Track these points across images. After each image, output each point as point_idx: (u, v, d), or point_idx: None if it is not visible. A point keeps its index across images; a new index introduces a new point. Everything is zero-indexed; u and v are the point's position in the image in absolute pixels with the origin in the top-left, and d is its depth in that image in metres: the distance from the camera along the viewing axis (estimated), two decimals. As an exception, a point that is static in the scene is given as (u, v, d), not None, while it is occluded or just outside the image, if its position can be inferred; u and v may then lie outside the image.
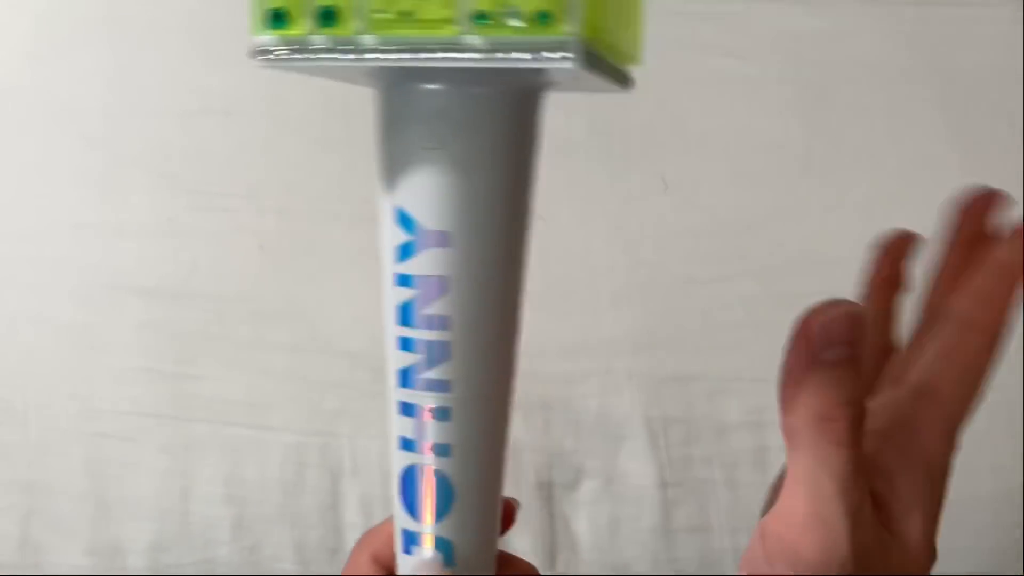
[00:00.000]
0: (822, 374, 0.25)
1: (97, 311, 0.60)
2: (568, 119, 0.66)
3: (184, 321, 0.60)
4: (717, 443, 0.60)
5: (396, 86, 0.25)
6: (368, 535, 0.33)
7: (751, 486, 0.59)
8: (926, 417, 0.28)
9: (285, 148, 0.63)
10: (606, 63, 0.24)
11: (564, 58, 0.21)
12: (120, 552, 0.58)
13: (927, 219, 0.69)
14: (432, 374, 0.27)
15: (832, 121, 0.65)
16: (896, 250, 0.34)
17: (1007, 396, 0.61)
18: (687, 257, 0.61)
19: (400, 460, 0.29)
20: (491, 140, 0.25)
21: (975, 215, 0.31)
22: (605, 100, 0.67)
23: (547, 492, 0.57)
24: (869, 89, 0.65)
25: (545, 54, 0.21)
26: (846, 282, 0.65)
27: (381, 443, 0.60)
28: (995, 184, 0.31)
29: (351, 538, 0.58)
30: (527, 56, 0.21)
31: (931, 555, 0.28)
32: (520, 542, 0.56)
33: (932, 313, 0.31)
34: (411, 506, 0.28)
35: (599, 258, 0.61)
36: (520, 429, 0.57)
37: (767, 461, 0.60)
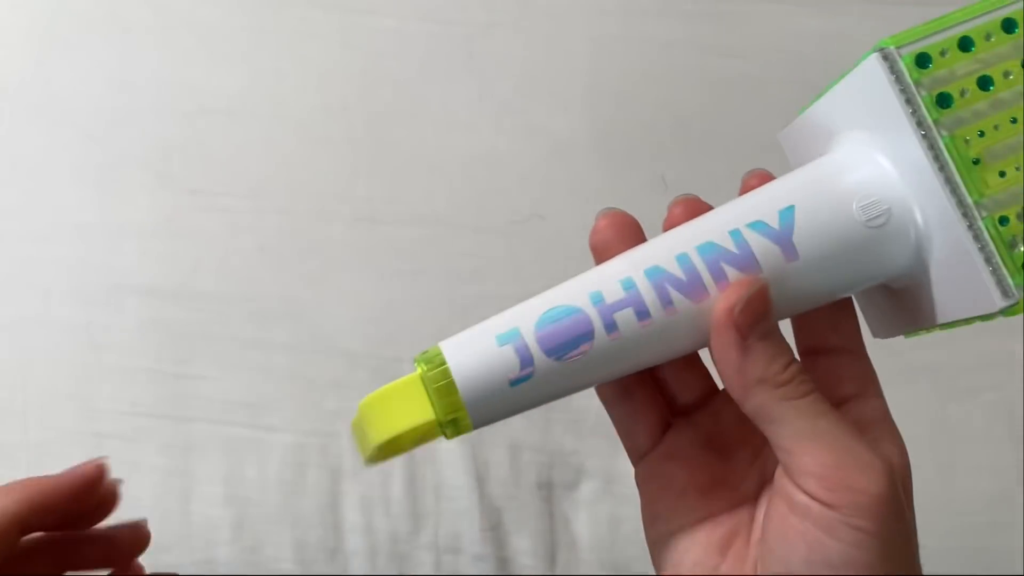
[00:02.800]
0: (758, 350, 0.27)
1: (97, 311, 0.60)
2: (568, 119, 0.66)
3: (184, 321, 0.60)
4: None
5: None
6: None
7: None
8: None
9: (285, 148, 0.63)
10: None
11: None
12: (120, 552, 0.58)
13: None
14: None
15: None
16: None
17: (1007, 396, 0.61)
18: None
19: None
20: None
21: None
22: (605, 100, 0.68)
23: (547, 492, 0.57)
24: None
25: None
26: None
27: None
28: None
29: (351, 538, 0.58)
30: None
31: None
32: (520, 542, 0.56)
33: None
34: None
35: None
36: (520, 429, 0.57)
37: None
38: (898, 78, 0.27)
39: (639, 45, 0.67)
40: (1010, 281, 0.26)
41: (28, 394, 0.59)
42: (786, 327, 0.30)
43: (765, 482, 0.30)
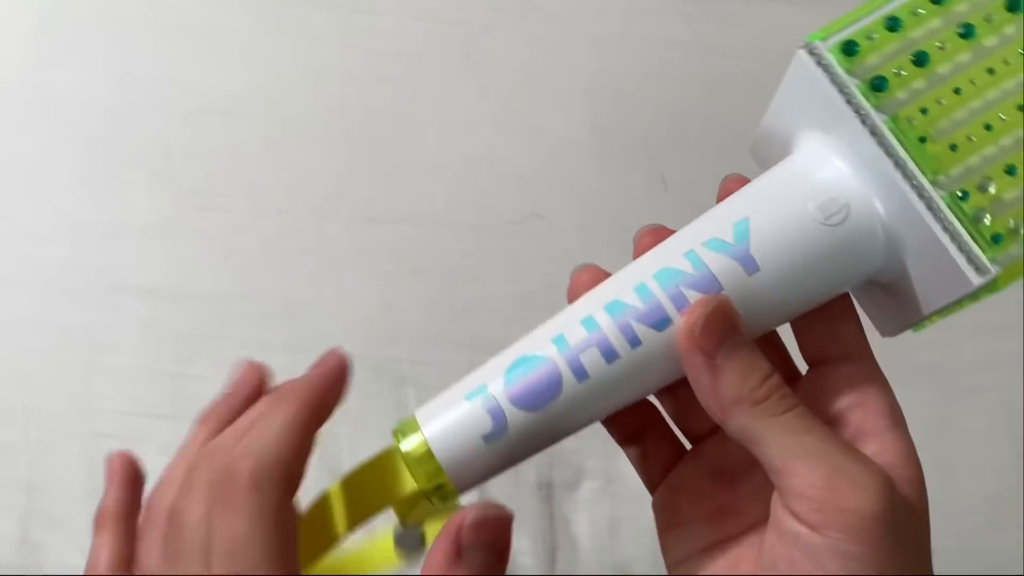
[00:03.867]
0: (729, 369, 0.26)
1: (97, 311, 0.60)
2: (568, 119, 0.66)
3: (184, 321, 0.60)
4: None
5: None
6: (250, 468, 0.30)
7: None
8: None
9: (285, 148, 0.63)
10: None
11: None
12: (120, 552, 0.58)
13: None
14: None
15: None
16: None
17: (1007, 396, 0.61)
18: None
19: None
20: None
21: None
22: (605, 100, 0.68)
23: (547, 492, 0.57)
24: (869, 89, 0.66)
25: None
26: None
27: (381, 442, 0.60)
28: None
29: (350, 538, 0.58)
30: None
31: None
32: (520, 542, 0.56)
33: None
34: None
35: (599, 259, 0.61)
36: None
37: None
38: (827, 70, 0.26)
39: (639, 45, 0.67)
40: (982, 257, 0.25)
41: (28, 394, 0.59)
42: (791, 342, 0.30)
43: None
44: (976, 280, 0.25)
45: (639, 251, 0.30)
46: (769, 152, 0.31)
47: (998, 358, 0.61)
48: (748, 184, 0.29)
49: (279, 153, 0.63)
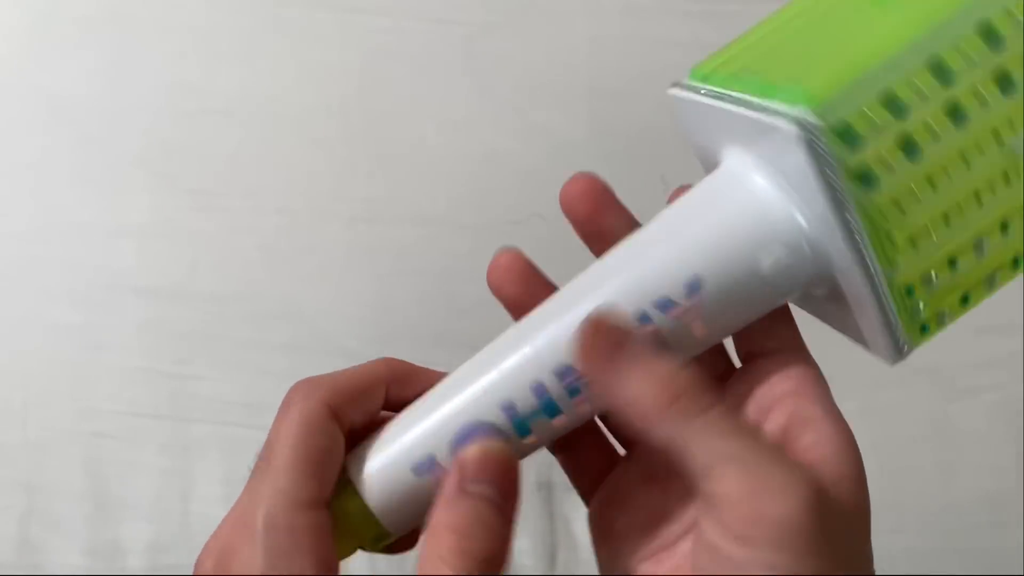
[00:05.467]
0: (637, 378, 0.24)
1: (97, 311, 0.60)
2: (568, 119, 0.66)
3: (184, 321, 0.60)
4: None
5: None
6: (311, 383, 0.30)
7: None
8: None
9: (284, 148, 0.63)
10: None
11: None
12: (119, 552, 0.58)
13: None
14: None
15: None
16: None
17: (1007, 396, 0.61)
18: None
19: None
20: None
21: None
22: (605, 100, 0.68)
23: (547, 492, 0.57)
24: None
25: None
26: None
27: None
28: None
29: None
30: None
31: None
32: (520, 542, 0.56)
33: None
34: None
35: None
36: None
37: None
38: (818, 159, 0.23)
39: (639, 45, 0.67)
40: (907, 343, 0.25)
41: (28, 394, 0.59)
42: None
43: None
44: (891, 360, 0.25)
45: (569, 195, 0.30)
46: (696, 127, 0.30)
47: (998, 358, 0.61)
48: (691, 221, 0.28)
49: (279, 153, 0.63)
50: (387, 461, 0.28)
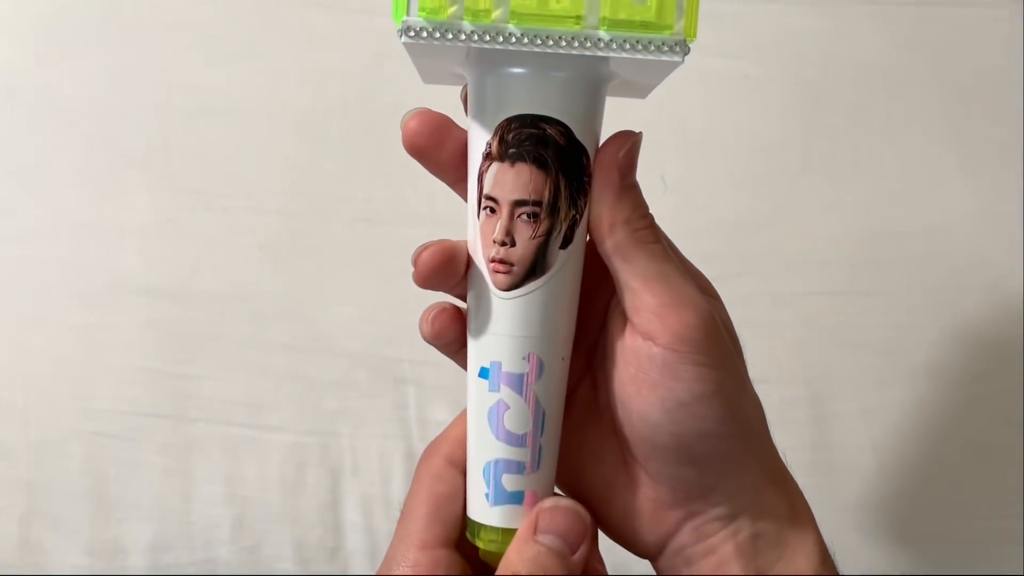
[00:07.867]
0: (629, 197, 0.31)
1: (97, 311, 0.60)
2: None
3: (184, 321, 0.60)
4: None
5: (489, 72, 0.30)
6: (435, 443, 0.34)
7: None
8: None
9: (285, 148, 0.63)
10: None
11: (674, 53, 0.29)
12: (120, 552, 0.58)
13: (927, 218, 0.69)
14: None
15: (832, 121, 0.65)
16: None
17: (1007, 396, 0.61)
18: (687, 257, 0.61)
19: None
20: (569, 113, 0.31)
21: None
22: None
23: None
24: (869, 89, 0.66)
25: (657, 50, 0.28)
26: (846, 282, 0.65)
27: (381, 442, 0.60)
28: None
29: (351, 538, 0.58)
30: (646, 49, 0.28)
31: None
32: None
33: None
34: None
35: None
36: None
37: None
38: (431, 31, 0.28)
39: (639, 45, 0.67)
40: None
41: (28, 394, 0.59)
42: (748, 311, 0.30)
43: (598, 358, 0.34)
44: (679, 59, 0.29)
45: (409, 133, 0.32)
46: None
47: (998, 359, 0.61)
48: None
49: (279, 153, 0.63)
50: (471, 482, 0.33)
